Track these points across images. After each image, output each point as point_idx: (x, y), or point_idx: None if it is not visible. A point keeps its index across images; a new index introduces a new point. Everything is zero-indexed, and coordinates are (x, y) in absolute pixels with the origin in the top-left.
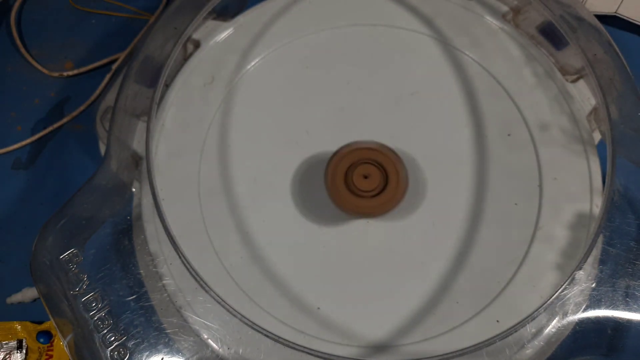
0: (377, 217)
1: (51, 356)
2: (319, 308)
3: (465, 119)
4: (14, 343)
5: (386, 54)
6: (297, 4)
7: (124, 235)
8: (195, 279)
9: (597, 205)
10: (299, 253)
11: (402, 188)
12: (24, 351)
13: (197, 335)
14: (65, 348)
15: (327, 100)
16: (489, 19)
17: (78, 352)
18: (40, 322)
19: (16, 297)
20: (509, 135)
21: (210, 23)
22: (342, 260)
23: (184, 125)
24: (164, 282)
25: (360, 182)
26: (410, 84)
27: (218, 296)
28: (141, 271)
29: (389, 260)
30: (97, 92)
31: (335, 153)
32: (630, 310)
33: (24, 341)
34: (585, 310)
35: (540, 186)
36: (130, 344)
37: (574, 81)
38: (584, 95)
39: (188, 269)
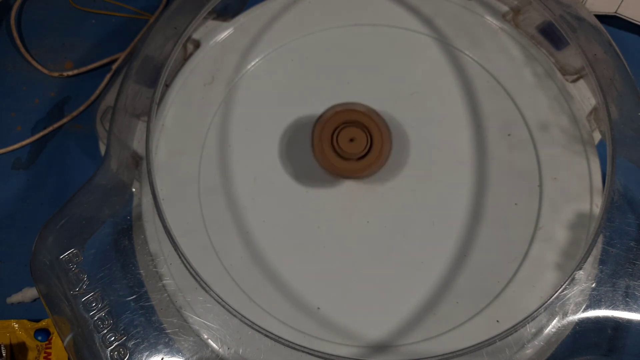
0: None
1: (50, 354)
2: (319, 308)
3: (465, 118)
4: None
5: (386, 54)
6: (297, 4)
7: (124, 235)
8: (195, 279)
9: (597, 205)
10: (299, 252)
11: (387, 144)
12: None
13: (197, 335)
14: (65, 348)
15: (327, 100)
16: (489, 19)
17: (78, 352)
18: (37, 320)
19: (16, 297)
20: (509, 135)
21: (210, 23)
22: (343, 257)
23: (184, 125)
24: (164, 282)
25: (346, 145)
26: (410, 84)
27: (218, 296)
28: (141, 271)
29: (388, 260)
30: (97, 92)
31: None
32: (630, 310)
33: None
34: (585, 310)
35: (540, 186)
36: (130, 344)
37: (574, 81)
38: (584, 95)
39: (188, 269)
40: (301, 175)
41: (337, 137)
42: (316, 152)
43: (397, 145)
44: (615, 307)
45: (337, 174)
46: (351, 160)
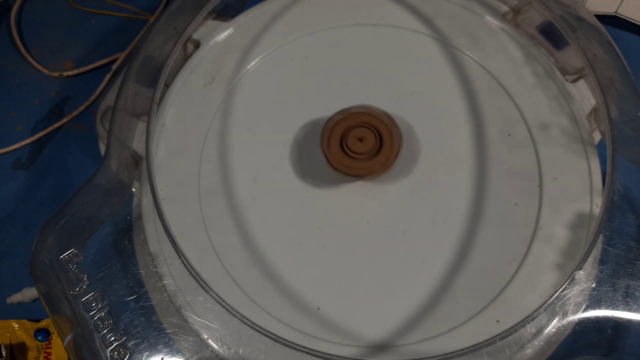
0: (374, 179)
1: (50, 354)
2: (319, 308)
3: (465, 118)
4: None
5: (386, 54)
6: (297, 4)
7: (124, 235)
8: (195, 279)
9: (597, 205)
10: (299, 252)
11: (397, 144)
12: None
13: (197, 335)
14: (65, 348)
15: (327, 100)
16: (489, 19)
17: (78, 352)
18: (37, 320)
19: (16, 297)
20: (509, 135)
21: (210, 23)
22: (343, 257)
23: (184, 125)
24: (164, 282)
25: (355, 144)
26: (410, 84)
27: (218, 296)
28: (141, 271)
29: (388, 260)
30: (97, 92)
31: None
32: (630, 310)
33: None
34: (585, 310)
35: (540, 186)
36: (130, 344)
37: (574, 81)
38: (584, 95)
39: (188, 269)
40: (301, 176)
41: (346, 137)
42: (326, 152)
43: None
44: (615, 307)
45: (347, 174)
46: (360, 160)
